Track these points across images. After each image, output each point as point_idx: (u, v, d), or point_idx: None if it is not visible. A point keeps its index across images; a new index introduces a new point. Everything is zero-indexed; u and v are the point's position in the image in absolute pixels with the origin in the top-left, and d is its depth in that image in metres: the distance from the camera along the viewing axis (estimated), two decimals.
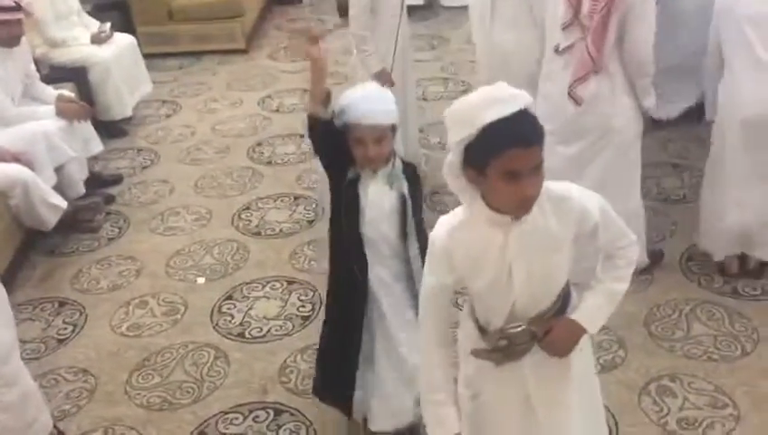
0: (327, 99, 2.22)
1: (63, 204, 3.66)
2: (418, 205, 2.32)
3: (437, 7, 6.65)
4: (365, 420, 2.49)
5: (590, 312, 1.77)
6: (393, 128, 2.18)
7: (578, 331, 1.77)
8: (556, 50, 2.96)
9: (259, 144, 4.73)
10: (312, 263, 3.55)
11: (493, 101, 1.51)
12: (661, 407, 2.67)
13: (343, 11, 6.69)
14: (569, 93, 2.91)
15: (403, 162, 2.28)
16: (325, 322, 2.53)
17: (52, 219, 3.64)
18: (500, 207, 1.59)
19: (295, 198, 4.12)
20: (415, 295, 2.20)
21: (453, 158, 1.58)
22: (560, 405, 1.81)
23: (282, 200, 4.11)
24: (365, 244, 2.26)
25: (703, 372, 2.78)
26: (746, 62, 2.91)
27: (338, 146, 2.17)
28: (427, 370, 1.78)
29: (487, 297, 1.72)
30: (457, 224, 1.66)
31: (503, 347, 1.72)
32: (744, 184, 3.03)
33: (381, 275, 2.31)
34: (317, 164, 2.32)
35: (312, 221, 3.91)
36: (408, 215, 2.25)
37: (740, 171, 3.03)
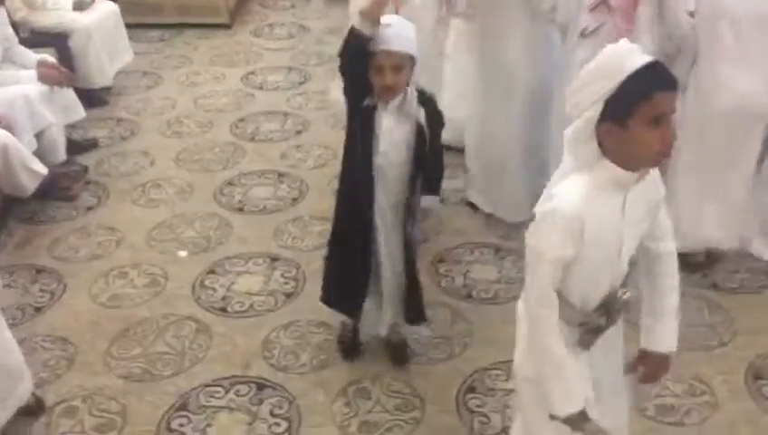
0: (376, 23, 2.21)
1: (44, 170, 3.59)
2: (436, 134, 2.46)
3: None
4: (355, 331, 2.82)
5: (669, 338, 1.85)
6: (411, 60, 2.29)
7: (666, 361, 1.87)
8: (582, 33, 2.95)
9: (242, 120, 4.69)
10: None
11: (632, 50, 1.55)
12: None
13: None
14: None
15: (421, 94, 2.39)
16: (331, 238, 2.69)
17: (31, 186, 3.57)
18: (639, 160, 1.58)
19: (279, 175, 4.09)
20: (403, 228, 2.54)
21: (588, 115, 1.57)
22: (618, 378, 1.91)
23: (266, 177, 4.08)
24: (374, 170, 2.41)
25: (681, 361, 2.83)
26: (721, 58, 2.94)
27: (363, 72, 2.27)
28: (550, 347, 1.70)
29: (596, 269, 1.69)
30: (586, 192, 1.60)
31: (601, 325, 1.74)
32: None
33: (380, 201, 2.48)
34: (333, 91, 2.39)
35: (297, 199, 3.88)
36: (421, 143, 2.39)
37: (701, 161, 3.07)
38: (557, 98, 3.21)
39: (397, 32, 2.26)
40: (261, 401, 2.71)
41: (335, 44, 5.74)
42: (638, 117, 1.52)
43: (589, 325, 1.75)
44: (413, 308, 2.72)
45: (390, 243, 2.58)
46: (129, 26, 5.14)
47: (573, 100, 1.61)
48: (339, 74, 2.37)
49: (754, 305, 3.12)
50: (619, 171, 1.59)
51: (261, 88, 5.13)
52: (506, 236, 3.57)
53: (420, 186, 2.54)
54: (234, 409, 2.68)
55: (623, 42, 1.58)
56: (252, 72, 5.34)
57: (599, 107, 1.55)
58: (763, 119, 2.96)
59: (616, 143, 1.56)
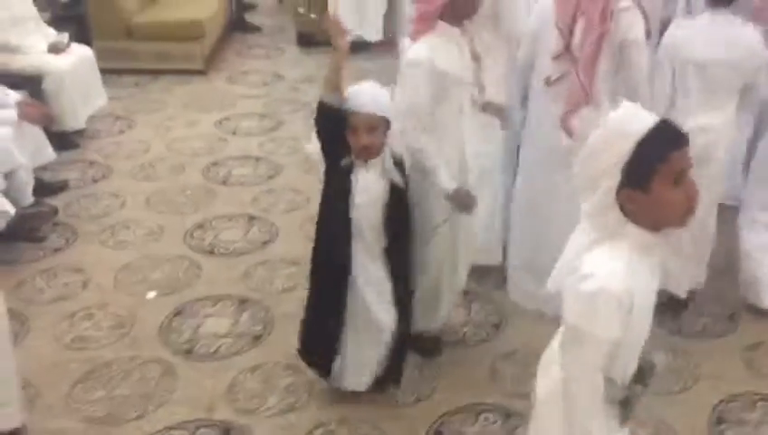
0: (339, 90, 2.39)
1: (12, 210, 3.55)
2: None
3: (395, 45, 6.77)
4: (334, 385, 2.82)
5: None
6: (385, 122, 2.44)
7: None
8: (547, 82, 3.03)
9: (215, 164, 4.71)
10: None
11: (636, 114, 1.53)
12: None
13: (302, 41, 6.81)
14: (561, 125, 2.98)
15: (396, 154, 2.55)
16: (310, 294, 2.75)
17: None
18: (667, 221, 1.55)
19: (250, 219, 4.10)
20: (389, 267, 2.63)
21: (607, 185, 1.53)
22: None
23: (236, 220, 4.09)
24: (351, 226, 2.52)
25: (646, 406, 2.85)
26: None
27: (338, 135, 2.42)
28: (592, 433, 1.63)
29: (639, 340, 1.63)
30: (624, 263, 1.52)
31: (638, 394, 1.68)
32: None
33: (360, 256, 2.58)
34: (314, 150, 2.56)
35: (267, 242, 3.89)
36: (397, 202, 2.54)
37: None
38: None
39: (370, 96, 2.43)
40: None
41: (309, 92, 5.90)
42: (657, 180, 1.49)
43: (629, 398, 1.68)
44: (394, 368, 2.76)
45: (378, 291, 2.64)
46: (104, 71, 5.17)
47: (585, 171, 1.57)
48: (315, 135, 2.50)
49: (717, 350, 3.17)
50: (648, 236, 1.55)
51: (234, 133, 5.17)
52: (474, 279, 3.59)
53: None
54: None
55: (622, 107, 1.55)
56: (226, 118, 5.39)
57: (616, 175, 1.52)
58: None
59: (640, 208, 1.52)
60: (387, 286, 2.65)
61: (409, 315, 2.77)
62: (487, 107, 2.93)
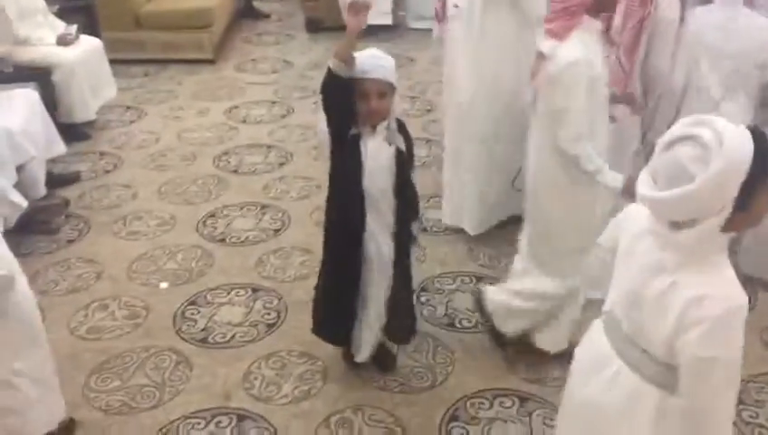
0: (351, 61, 2.36)
1: (24, 203, 3.56)
2: (411, 158, 2.64)
3: (404, 29, 6.74)
4: (351, 355, 2.86)
5: None
6: (392, 88, 2.46)
7: None
8: None
9: (225, 153, 4.70)
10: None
11: (740, 138, 1.47)
12: None
13: (311, 27, 6.78)
14: None
15: (397, 121, 2.55)
16: (323, 267, 2.76)
17: (11, 218, 3.55)
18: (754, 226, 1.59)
19: (262, 207, 4.09)
20: (393, 235, 2.63)
21: (724, 214, 1.49)
22: None
23: (248, 209, 4.09)
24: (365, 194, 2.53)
25: None
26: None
27: (346, 105, 2.42)
28: None
29: None
30: (733, 277, 1.55)
31: None
32: None
33: (371, 225, 2.58)
34: (320, 123, 2.52)
35: (279, 230, 3.89)
36: (403, 168, 2.55)
37: None
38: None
39: (378, 62, 2.45)
40: (242, 433, 2.68)
41: (318, 79, 5.81)
42: (757, 197, 1.49)
43: None
44: (406, 327, 2.82)
45: (385, 267, 2.67)
46: (113, 62, 5.17)
47: (695, 205, 1.49)
48: (322, 109, 2.48)
49: None
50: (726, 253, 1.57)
51: (244, 121, 5.16)
52: (487, 265, 3.59)
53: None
54: None
55: (727, 124, 1.49)
56: (235, 106, 5.38)
57: (730, 205, 1.48)
58: None
59: (738, 226, 1.53)
60: (389, 251, 2.66)
61: (410, 281, 2.81)
62: (618, 97, 2.90)
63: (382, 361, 2.93)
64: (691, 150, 1.48)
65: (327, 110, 2.44)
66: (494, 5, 3.29)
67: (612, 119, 2.96)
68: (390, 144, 2.52)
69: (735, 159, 1.44)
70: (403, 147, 2.55)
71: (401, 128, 2.58)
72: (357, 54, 2.41)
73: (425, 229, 3.81)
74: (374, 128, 2.50)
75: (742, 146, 1.46)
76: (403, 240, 2.68)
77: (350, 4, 2.31)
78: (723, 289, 1.52)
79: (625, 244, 1.74)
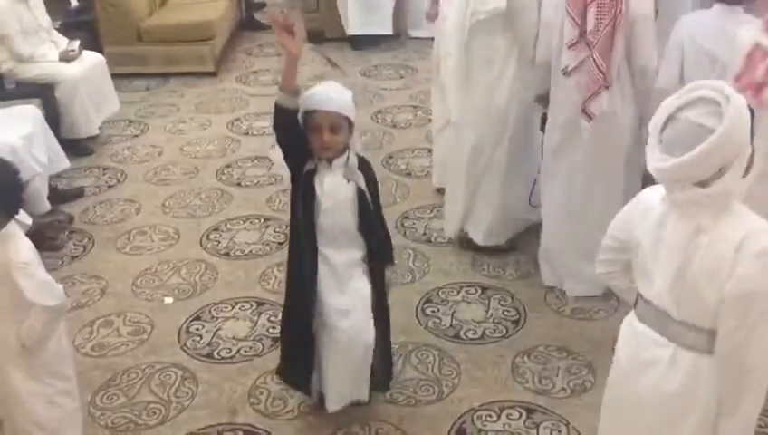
0: (296, 92, 2.29)
1: (28, 220, 3.57)
2: (376, 196, 2.53)
3: (405, 38, 6.75)
4: (321, 400, 2.70)
5: None
6: (348, 122, 2.37)
7: None
8: (564, 72, 3.04)
9: (228, 166, 4.71)
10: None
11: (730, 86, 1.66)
12: None
13: (312, 38, 6.79)
14: (582, 110, 3.01)
15: (358, 157, 2.46)
16: (283, 307, 2.68)
17: None
18: None
19: (265, 220, 4.10)
20: (370, 276, 2.54)
21: (743, 152, 1.66)
22: None
23: (251, 222, 4.09)
24: (318, 232, 2.45)
25: None
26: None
27: (299, 139, 2.35)
28: None
29: None
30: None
31: None
32: None
33: (334, 260, 2.48)
34: (277, 155, 2.49)
35: (282, 243, 3.88)
36: (365, 207, 2.45)
37: None
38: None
39: (333, 94, 2.36)
40: None
41: None
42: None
43: None
44: (384, 373, 2.73)
45: (359, 293, 2.53)
46: (115, 77, 5.19)
47: (723, 153, 1.62)
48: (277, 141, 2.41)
49: None
50: None
51: (247, 133, 5.17)
52: (492, 275, 3.59)
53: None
54: None
55: (713, 81, 1.69)
56: (237, 119, 5.39)
57: (748, 142, 1.67)
58: None
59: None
60: (367, 297, 2.54)
61: (389, 325, 2.70)
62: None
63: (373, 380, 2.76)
64: (702, 109, 1.64)
65: (279, 143, 2.38)
66: (484, 27, 3.31)
67: (589, 117, 2.99)
68: (349, 181, 2.42)
69: (741, 103, 1.62)
70: (363, 185, 2.44)
71: (362, 164, 2.47)
72: (313, 88, 2.36)
73: (428, 240, 3.81)
74: (330, 162, 2.40)
75: (736, 92, 1.64)
76: (377, 281, 2.57)
77: (273, 22, 2.29)
78: (759, 225, 1.67)
79: (649, 239, 1.80)
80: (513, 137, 3.50)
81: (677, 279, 1.75)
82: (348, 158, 2.41)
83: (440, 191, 3.97)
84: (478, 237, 3.68)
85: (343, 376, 2.59)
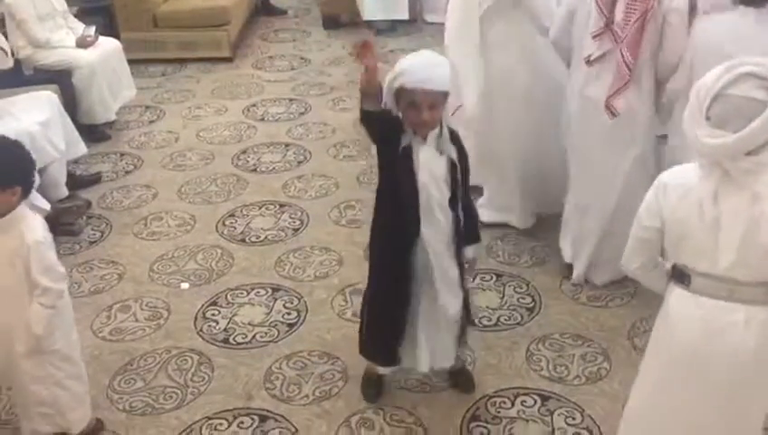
0: (377, 96, 2.23)
1: (47, 206, 3.60)
2: (466, 169, 2.45)
3: (421, 23, 6.72)
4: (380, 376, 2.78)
5: None
6: (445, 95, 2.28)
7: None
8: (587, 60, 2.98)
9: (244, 152, 4.72)
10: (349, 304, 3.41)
11: None
12: None
13: (328, 23, 6.78)
14: (606, 105, 2.95)
15: (451, 133, 2.37)
16: (370, 285, 2.63)
17: None
18: None
19: (281, 206, 4.11)
20: (456, 255, 2.49)
21: None
22: None
23: (267, 208, 4.10)
24: (420, 207, 2.36)
25: None
26: None
27: (389, 129, 2.29)
28: None
29: None
30: None
31: None
32: None
33: (428, 237, 2.40)
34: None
35: (298, 229, 3.89)
36: (457, 179, 2.38)
37: None
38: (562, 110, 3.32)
39: (434, 71, 2.24)
40: (264, 433, 2.69)
41: (336, 75, 5.90)
42: None
43: None
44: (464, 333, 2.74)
45: (447, 274, 2.50)
46: (131, 62, 5.20)
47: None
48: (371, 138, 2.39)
49: None
50: None
51: (262, 120, 5.17)
52: (507, 262, 3.58)
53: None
54: None
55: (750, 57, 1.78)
56: (253, 105, 5.39)
57: None
58: None
59: None
60: (455, 273, 2.52)
61: (470, 306, 2.73)
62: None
63: (461, 382, 2.84)
64: (750, 84, 1.76)
65: (371, 135, 2.33)
66: (496, 11, 3.31)
67: (612, 113, 2.95)
68: (442, 153, 2.35)
69: None
70: (455, 157, 2.37)
71: (453, 137, 2.38)
72: (410, 59, 2.26)
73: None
74: (425, 138, 2.32)
75: None
76: (461, 262, 2.54)
77: (354, 48, 2.23)
78: None
79: (697, 219, 1.86)
80: (524, 109, 3.45)
81: (745, 248, 1.83)
82: (441, 130, 2.34)
83: None
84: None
85: (433, 345, 2.61)
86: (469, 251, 2.57)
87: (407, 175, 2.32)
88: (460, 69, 3.48)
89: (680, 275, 1.98)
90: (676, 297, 2.01)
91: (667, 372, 2.06)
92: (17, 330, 2.38)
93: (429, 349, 2.60)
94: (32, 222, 2.36)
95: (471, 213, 2.55)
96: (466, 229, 2.50)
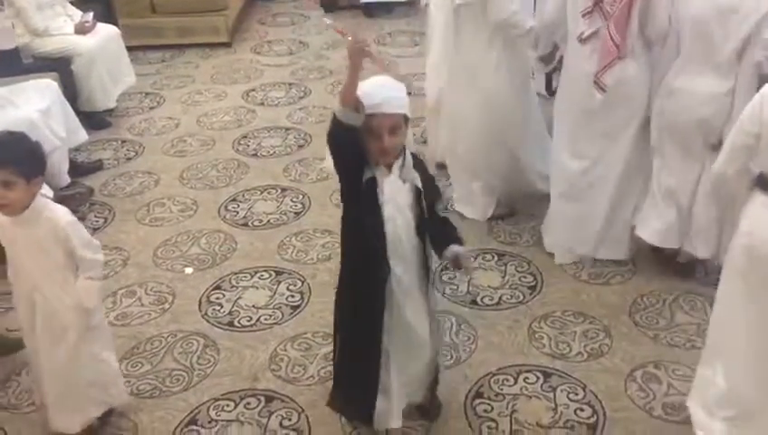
0: (357, 106, 2.06)
1: (50, 193, 3.60)
2: (436, 190, 2.34)
3: (418, 5, 6.67)
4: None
5: None
6: (406, 119, 2.17)
7: None
8: (579, 38, 3.02)
9: (245, 136, 4.73)
10: None
11: None
12: (647, 393, 2.74)
13: (326, 6, 6.76)
14: (594, 81, 2.99)
15: (414, 158, 2.26)
16: (338, 334, 2.47)
17: None
18: None
19: (282, 190, 4.13)
20: (426, 292, 2.38)
21: None
22: None
23: (268, 192, 4.12)
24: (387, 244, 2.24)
25: (686, 360, 2.85)
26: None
27: (357, 152, 2.14)
28: None
29: None
30: None
31: None
32: None
33: (398, 271, 2.28)
34: (331, 167, 2.22)
35: (300, 213, 3.92)
36: (422, 207, 2.25)
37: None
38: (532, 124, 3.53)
39: (390, 94, 2.13)
40: (270, 413, 2.73)
41: (334, 59, 5.89)
42: None
43: None
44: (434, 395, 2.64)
45: (418, 314, 2.38)
46: (130, 49, 5.20)
47: None
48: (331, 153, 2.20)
49: None
50: None
51: (262, 104, 5.18)
52: (509, 241, 3.60)
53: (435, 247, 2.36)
54: (244, 422, 2.70)
55: None
56: (253, 89, 5.40)
57: None
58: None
59: None
60: (423, 302, 2.40)
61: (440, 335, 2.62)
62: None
63: (425, 410, 2.68)
64: None
65: (336, 158, 2.15)
66: (469, 12, 3.34)
67: (601, 89, 2.97)
68: (405, 182, 2.22)
69: None
70: (419, 184, 2.24)
71: (417, 163, 2.26)
72: (365, 85, 2.09)
73: (445, 208, 3.82)
74: (389, 167, 2.19)
75: None
76: (430, 299, 2.43)
77: (349, 48, 2.06)
78: None
79: None
80: (503, 119, 3.50)
81: None
82: (404, 158, 2.21)
83: (440, 166, 3.97)
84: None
85: (406, 384, 2.47)
86: (452, 248, 2.31)
87: (371, 208, 2.20)
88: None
89: (766, 183, 2.15)
90: (760, 204, 2.17)
91: (751, 275, 2.18)
92: (63, 315, 2.40)
93: (402, 393, 2.47)
94: (53, 206, 2.40)
95: (447, 225, 2.37)
96: (445, 235, 2.33)
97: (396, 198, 2.22)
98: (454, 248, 2.29)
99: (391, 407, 2.42)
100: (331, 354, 2.93)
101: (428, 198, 2.27)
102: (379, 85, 2.12)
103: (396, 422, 2.47)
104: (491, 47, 3.37)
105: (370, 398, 2.40)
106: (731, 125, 2.49)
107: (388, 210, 2.21)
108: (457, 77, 3.53)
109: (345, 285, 2.40)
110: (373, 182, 2.18)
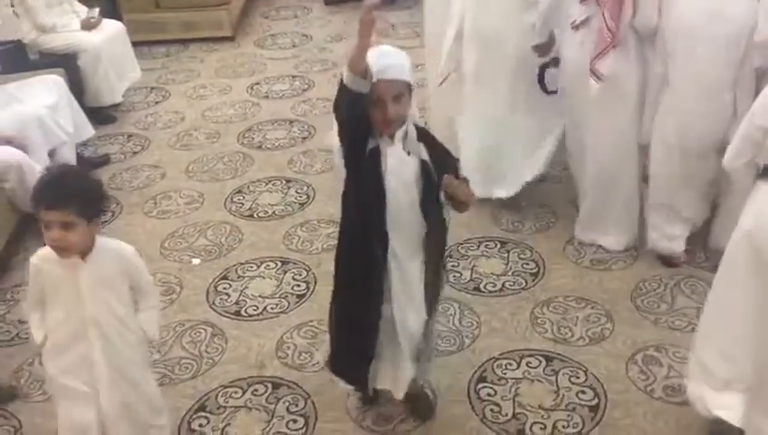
0: (365, 73, 2.02)
1: None
2: (449, 159, 2.29)
3: None
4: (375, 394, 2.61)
5: None
6: (409, 88, 2.15)
7: None
8: (573, 25, 3.04)
9: (249, 129, 4.78)
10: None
11: None
12: (648, 375, 2.77)
13: None
14: (590, 69, 3.00)
15: (416, 127, 2.24)
16: (335, 299, 2.49)
17: None
18: None
19: (287, 181, 4.17)
20: (427, 270, 2.35)
21: None
22: None
23: (273, 184, 4.17)
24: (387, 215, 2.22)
25: (687, 343, 2.86)
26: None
27: (363, 120, 2.12)
28: None
29: None
30: None
31: None
32: None
33: (395, 245, 2.27)
34: (335, 140, 2.22)
35: (305, 203, 3.96)
36: (429, 182, 2.22)
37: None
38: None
39: (392, 61, 2.12)
40: (278, 400, 2.78)
41: (337, 51, 5.92)
42: None
43: None
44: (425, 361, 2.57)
45: (412, 291, 2.37)
46: (134, 44, 5.25)
47: None
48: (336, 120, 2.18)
49: None
50: None
51: (267, 97, 5.22)
52: (511, 229, 3.64)
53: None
54: (251, 408, 2.75)
55: None
56: (257, 83, 5.44)
57: None
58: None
59: None
60: (420, 289, 2.38)
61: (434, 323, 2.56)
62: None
63: (415, 405, 2.68)
64: None
65: (342, 127, 2.14)
66: None
67: (597, 77, 2.99)
68: (410, 154, 2.19)
69: None
70: (426, 157, 2.20)
71: (422, 134, 2.23)
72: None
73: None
74: (392, 137, 2.17)
75: None
76: (430, 273, 2.38)
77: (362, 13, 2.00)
78: None
79: None
80: (513, 72, 3.41)
81: None
82: (406, 129, 2.19)
83: None
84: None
85: (397, 360, 2.46)
86: (446, 176, 2.21)
87: (374, 178, 2.18)
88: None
89: None
90: (764, 193, 2.17)
91: (752, 262, 2.18)
92: (135, 340, 2.26)
93: (390, 368, 2.48)
94: (106, 239, 2.23)
95: (449, 157, 2.31)
96: (443, 165, 2.24)
97: (400, 171, 2.19)
98: (447, 178, 2.21)
99: (385, 369, 2.46)
100: None
101: (441, 170, 2.20)
102: (380, 54, 2.11)
103: (381, 384, 2.51)
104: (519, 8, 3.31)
105: (364, 364, 2.45)
106: (735, 128, 2.51)
107: (390, 181, 2.19)
108: (484, 45, 3.42)
109: (343, 253, 2.38)
110: (376, 152, 2.17)
